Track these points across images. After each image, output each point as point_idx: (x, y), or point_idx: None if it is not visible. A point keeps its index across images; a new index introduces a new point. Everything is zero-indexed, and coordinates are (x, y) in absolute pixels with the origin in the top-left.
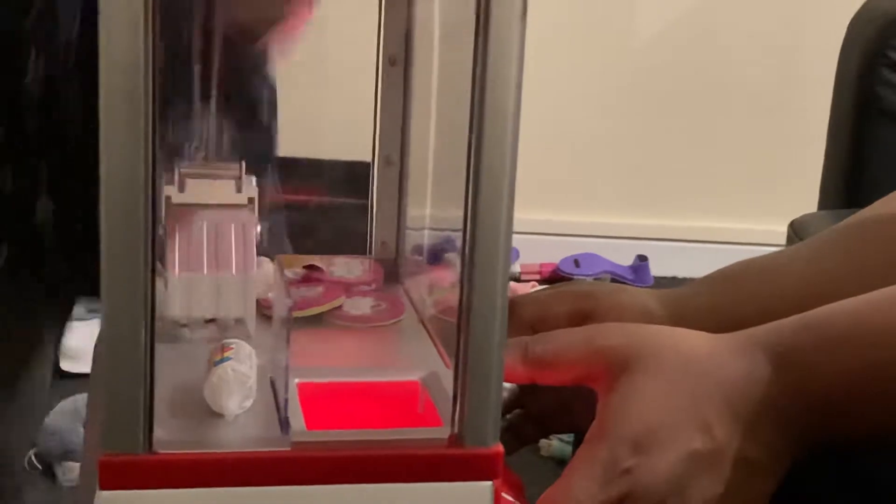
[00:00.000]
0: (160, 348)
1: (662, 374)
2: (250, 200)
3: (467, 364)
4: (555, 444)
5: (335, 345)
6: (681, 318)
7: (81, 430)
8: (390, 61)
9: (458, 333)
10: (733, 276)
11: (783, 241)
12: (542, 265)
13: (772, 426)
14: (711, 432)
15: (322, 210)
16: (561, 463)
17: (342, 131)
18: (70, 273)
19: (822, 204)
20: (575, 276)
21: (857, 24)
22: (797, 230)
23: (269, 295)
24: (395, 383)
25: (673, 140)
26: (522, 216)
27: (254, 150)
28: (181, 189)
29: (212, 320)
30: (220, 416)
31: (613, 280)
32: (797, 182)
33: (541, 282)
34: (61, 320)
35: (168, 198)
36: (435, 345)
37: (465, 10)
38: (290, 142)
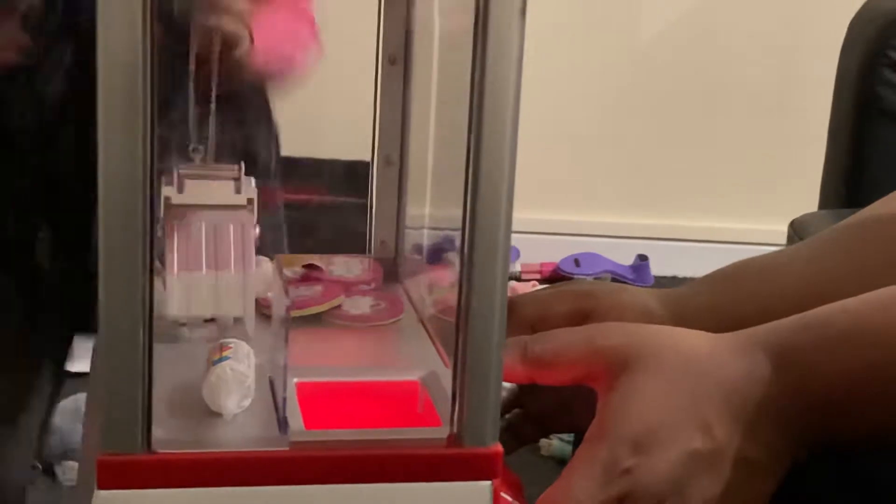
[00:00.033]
0: (159, 348)
1: (662, 374)
2: (249, 201)
3: (466, 364)
4: (555, 443)
5: (334, 344)
6: (681, 317)
7: (81, 429)
8: (390, 61)
9: (458, 333)
10: (733, 276)
11: (784, 240)
12: (542, 265)
13: (772, 426)
14: (711, 432)
15: (322, 209)
16: (561, 462)
17: (342, 131)
18: (69, 310)
19: (823, 204)
20: (575, 276)
21: (858, 24)
22: (798, 230)
23: (269, 294)
24: (394, 383)
25: (673, 140)
26: (523, 216)
27: (253, 149)
28: (180, 190)
29: (211, 320)
30: (218, 415)
31: (614, 280)
32: (797, 182)
33: (541, 281)
34: (58, 365)
35: (167, 198)
36: (434, 344)
37: (465, 9)
38: (290, 141)
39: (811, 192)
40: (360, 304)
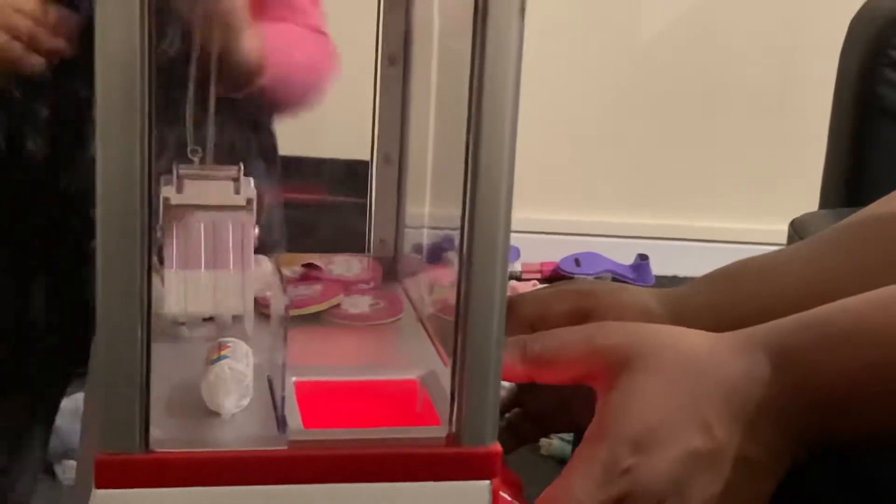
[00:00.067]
0: (158, 346)
1: (662, 373)
2: (248, 202)
3: (465, 363)
4: (555, 443)
5: (333, 343)
6: (681, 317)
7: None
8: (390, 60)
9: (457, 332)
10: (733, 275)
11: (784, 240)
12: (542, 264)
13: (772, 426)
14: (711, 432)
15: (321, 208)
16: (561, 462)
17: (341, 130)
18: (65, 352)
19: (823, 203)
20: (576, 275)
21: (858, 24)
22: (798, 229)
23: (267, 293)
24: (393, 382)
25: (673, 139)
26: (523, 215)
27: (253, 149)
28: (179, 190)
29: (210, 318)
30: (216, 414)
31: (614, 279)
32: (798, 181)
33: (542, 281)
34: (54, 404)
35: (166, 199)
36: (433, 343)
37: (464, 8)
38: (290, 141)
39: (811, 191)
40: (360, 303)
